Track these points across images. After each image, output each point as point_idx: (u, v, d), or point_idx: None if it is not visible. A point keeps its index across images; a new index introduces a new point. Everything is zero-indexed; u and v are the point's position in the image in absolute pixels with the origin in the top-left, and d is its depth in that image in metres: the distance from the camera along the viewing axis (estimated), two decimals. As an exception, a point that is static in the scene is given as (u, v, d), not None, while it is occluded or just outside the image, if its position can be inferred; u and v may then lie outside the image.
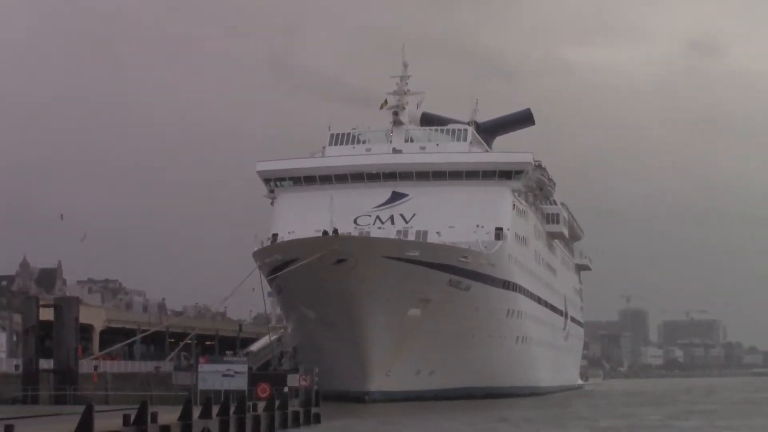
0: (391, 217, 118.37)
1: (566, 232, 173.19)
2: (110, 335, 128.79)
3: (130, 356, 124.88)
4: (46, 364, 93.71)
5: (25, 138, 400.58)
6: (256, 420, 66.21)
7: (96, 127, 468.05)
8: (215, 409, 61.89)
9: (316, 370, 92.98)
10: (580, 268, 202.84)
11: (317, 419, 76.86)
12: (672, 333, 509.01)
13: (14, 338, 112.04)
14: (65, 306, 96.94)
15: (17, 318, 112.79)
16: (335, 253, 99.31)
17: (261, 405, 70.63)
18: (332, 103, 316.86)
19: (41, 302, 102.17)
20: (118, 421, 50.39)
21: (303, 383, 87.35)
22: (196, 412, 59.54)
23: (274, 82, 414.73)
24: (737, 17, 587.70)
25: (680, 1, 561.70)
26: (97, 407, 50.65)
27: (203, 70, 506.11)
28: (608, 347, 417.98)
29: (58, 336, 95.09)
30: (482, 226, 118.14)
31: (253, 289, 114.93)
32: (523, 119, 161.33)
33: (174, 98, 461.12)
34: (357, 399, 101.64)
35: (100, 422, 47.96)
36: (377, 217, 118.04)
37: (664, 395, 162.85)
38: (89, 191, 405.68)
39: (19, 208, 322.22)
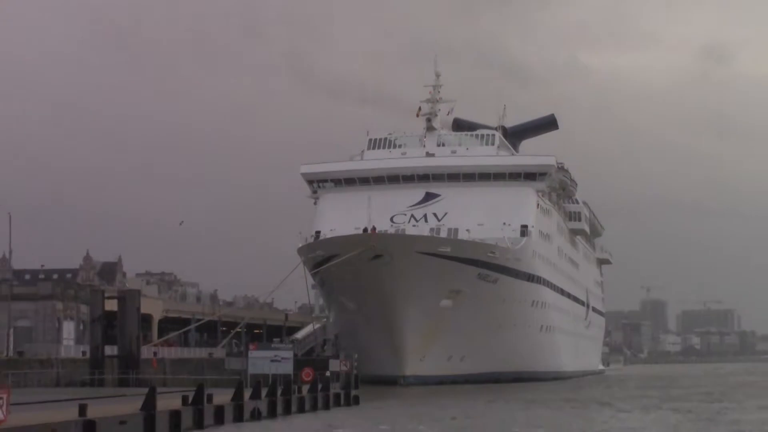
0: (425, 216, 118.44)
1: (587, 229, 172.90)
2: (167, 324, 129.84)
3: (186, 343, 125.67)
4: (110, 350, 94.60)
5: (93, 146, 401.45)
6: (301, 401, 67.46)
7: (154, 137, 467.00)
8: (264, 392, 63.38)
9: (356, 356, 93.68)
10: (601, 262, 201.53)
11: (356, 401, 76.60)
12: (689, 322, 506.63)
13: (80, 327, 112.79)
14: (128, 297, 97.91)
15: (83, 308, 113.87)
16: (372, 249, 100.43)
17: (305, 388, 71.88)
18: (366, 109, 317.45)
19: (106, 294, 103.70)
20: (177, 402, 52.41)
21: (343, 368, 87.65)
22: (247, 394, 60.93)
23: (309, 90, 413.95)
24: (744, 24, 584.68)
25: (692, 10, 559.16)
26: (157, 389, 52.44)
27: (244, 82, 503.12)
28: (629, 335, 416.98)
29: (121, 325, 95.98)
30: (509, 224, 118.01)
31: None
32: (548, 124, 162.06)
33: (218, 107, 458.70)
34: (393, 383, 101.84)
35: (161, 402, 49.76)
36: (412, 215, 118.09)
37: (677, 379, 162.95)
38: (146, 192, 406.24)
39: (83, 206, 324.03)
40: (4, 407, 41.37)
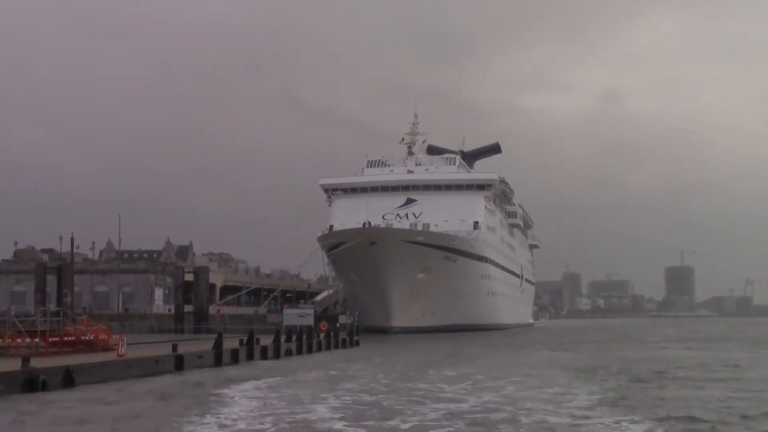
0: (406, 215, 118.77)
1: (522, 224, 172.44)
2: (226, 290, 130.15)
3: (239, 304, 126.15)
4: (188, 308, 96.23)
5: (167, 157, 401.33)
6: (319, 343, 69.13)
7: (211, 151, 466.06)
8: (294, 337, 66.02)
9: (357, 313, 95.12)
10: (532, 246, 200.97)
11: (357, 343, 77.36)
12: (597, 288, 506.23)
13: (167, 292, 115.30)
14: (200, 272, 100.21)
15: (168, 279, 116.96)
16: (370, 238, 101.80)
17: (322, 335, 74.00)
18: (360, 138, 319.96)
19: (185, 270, 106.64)
20: (235, 343, 55.22)
21: (348, 321, 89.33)
22: (282, 338, 63.51)
23: (316, 121, 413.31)
24: (635, 74, 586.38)
25: (596, 64, 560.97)
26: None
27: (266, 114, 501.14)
28: (554, 298, 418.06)
29: (195, 291, 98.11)
30: (465, 221, 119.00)
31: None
32: (494, 149, 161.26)
33: (252, 132, 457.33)
34: (383, 331, 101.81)
35: (225, 343, 52.53)
36: (397, 214, 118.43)
37: (591, 328, 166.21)
38: (206, 192, 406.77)
39: (163, 203, 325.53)
40: (124, 346, 44.84)
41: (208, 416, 28.45)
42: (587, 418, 27.91)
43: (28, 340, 43.48)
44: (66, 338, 46.27)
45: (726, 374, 47.34)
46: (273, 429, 25.90)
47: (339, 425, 26.48)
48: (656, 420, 27.17)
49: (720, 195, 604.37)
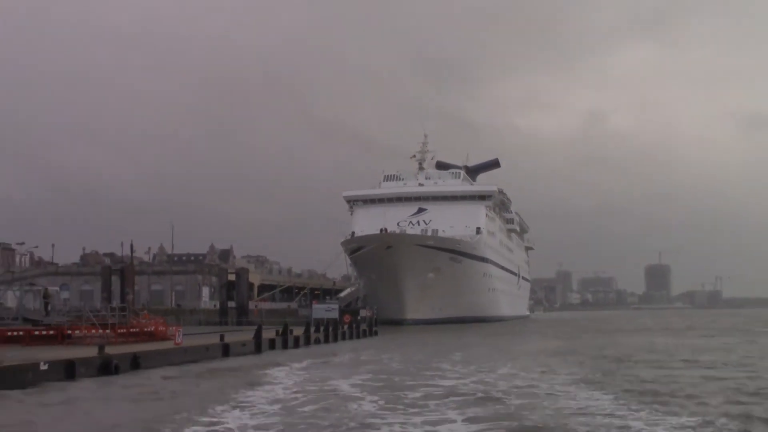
0: (418, 222, 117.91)
1: (518, 228, 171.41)
2: (263, 288, 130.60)
3: (274, 300, 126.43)
4: (231, 304, 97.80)
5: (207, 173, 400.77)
6: (343, 333, 69.33)
7: (242, 161, 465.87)
8: (321, 328, 66.36)
9: (375, 307, 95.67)
10: (528, 248, 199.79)
11: (376, 333, 77.53)
12: (586, 284, 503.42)
13: (212, 290, 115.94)
14: (241, 273, 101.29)
15: (214, 279, 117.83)
16: (386, 242, 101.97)
17: (346, 326, 73.88)
18: (367, 151, 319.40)
19: (228, 271, 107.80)
20: (272, 334, 56.05)
21: (368, 314, 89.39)
22: (312, 329, 63.79)
23: (333, 138, 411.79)
24: (614, 97, 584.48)
25: (581, 88, 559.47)
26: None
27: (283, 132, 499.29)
28: (547, 293, 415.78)
29: (237, 289, 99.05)
30: (469, 227, 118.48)
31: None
32: (494, 164, 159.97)
33: (278, 146, 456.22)
34: (398, 323, 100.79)
35: (264, 333, 53.37)
36: (410, 222, 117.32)
37: (579, 319, 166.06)
38: (243, 202, 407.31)
39: (204, 212, 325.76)
40: (180, 336, 46.21)
41: (256, 389, 29.95)
42: (567, 392, 29.22)
43: (100, 331, 44.77)
44: (131, 330, 47.63)
45: (685, 356, 48.51)
46: (307, 398, 27.46)
47: (359, 396, 28.00)
48: (621, 392, 28.49)
49: (691, 201, 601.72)
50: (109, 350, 36.57)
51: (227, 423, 21.87)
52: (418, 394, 28.35)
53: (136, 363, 36.65)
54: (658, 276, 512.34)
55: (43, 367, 31.04)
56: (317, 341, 61.49)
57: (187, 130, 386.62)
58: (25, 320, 47.57)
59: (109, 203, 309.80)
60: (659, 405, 24.94)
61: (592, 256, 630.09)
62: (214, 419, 22.46)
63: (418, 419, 22.73)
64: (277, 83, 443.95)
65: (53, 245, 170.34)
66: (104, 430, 20.09)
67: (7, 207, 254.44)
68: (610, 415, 23.17)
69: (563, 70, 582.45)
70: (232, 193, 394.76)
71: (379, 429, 21.31)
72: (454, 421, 22.53)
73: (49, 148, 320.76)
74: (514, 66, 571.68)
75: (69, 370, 32.20)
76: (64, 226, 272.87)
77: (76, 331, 44.65)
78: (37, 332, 44.07)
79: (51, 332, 44.11)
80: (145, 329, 48.73)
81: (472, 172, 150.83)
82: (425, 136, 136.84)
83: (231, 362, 42.81)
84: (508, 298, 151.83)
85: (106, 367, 34.31)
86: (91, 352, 36.03)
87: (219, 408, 24.58)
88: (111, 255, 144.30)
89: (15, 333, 43.35)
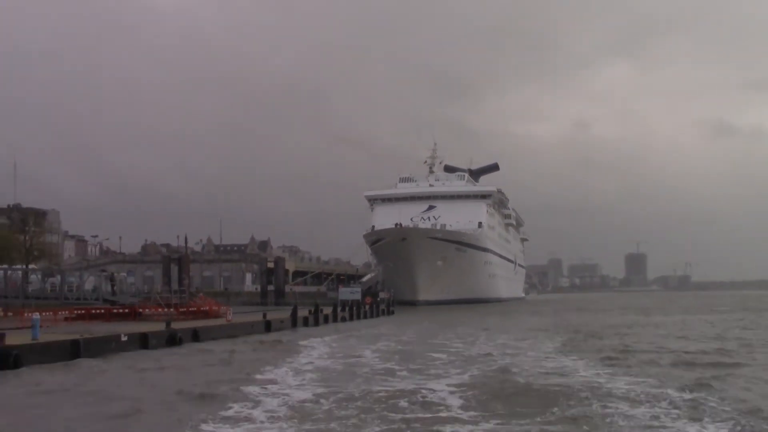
0: (429, 217, 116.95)
1: (515, 223, 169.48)
2: (296, 274, 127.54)
3: (306, 284, 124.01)
4: (269, 287, 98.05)
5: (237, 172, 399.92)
6: (365, 312, 69.37)
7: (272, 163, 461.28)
8: (346, 308, 66.58)
9: (392, 290, 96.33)
10: (523, 239, 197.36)
11: (393, 312, 77.18)
12: (574, 270, 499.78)
13: (254, 276, 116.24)
14: (278, 261, 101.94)
15: (255, 266, 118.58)
16: (401, 235, 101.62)
17: (367, 306, 73.81)
18: (375, 157, 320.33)
19: (267, 260, 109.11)
20: (305, 312, 56.38)
21: (386, 296, 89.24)
22: (338, 309, 64.28)
23: (356, 146, 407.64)
24: (598, 108, 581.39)
25: (567, 100, 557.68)
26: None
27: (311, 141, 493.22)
28: (540, 278, 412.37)
29: (275, 275, 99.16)
30: (472, 222, 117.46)
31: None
32: (494, 168, 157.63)
33: (303, 151, 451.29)
34: (412, 304, 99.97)
35: (298, 312, 54.74)
36: (422, 217, 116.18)
37: (567, 301, 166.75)
38: (279, 198, 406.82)
39: (245, 208, 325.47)
40: (230, 314, 47.98)
41: (295, 356, 31.78)
42: (549, 357, 30.94)
43: (165, 310, 46.85)
44: (190, 309, 49.13)
45: (648, 330, 50.06)
46: (337, 362, 29.35)
47: (377, 361, 29.75)
48: (591, 356, 30.22)
49: (665, 198, 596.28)
50: (174, 326, 38.11)
51: (277, 379, 23.89)
52: (425, 358, 30.16)
53: (196, 336, 38.17)
54: (636, 263, 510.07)
55: (124, 338, 32.99)
56: (343, 319, 61.90)
57: (226, 137, 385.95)
58: (105, 301, 49.58)
59: (161, 201, 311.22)
60: (618, 367, 26.69)
61: (580, 245, 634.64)
62: (267, 377, 24.48)
63: (423, 375, 24.61)
64: (303, 96, 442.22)
65: (120, 237, 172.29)
66: (191, 386, 21.80)
67: (77, 205, 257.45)
68: (574, 371, 24.87)
69: (553, 85, 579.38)
70: (268, 191, 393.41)
71: (394, 380, 23.22)
72: (451, 376, 24.36)
73: (107, 153, 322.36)
74: (511, 81, 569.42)
75: (143, 341, 33.97)
76: (126, 221, 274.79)
77: (146, 310, 46.65)
78: (114, 310, 46.04)
79: (126, 311, 46.05)
80: (201, 308, 50.11)
81: (475, 174, 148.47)
82: (435, 144, 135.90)
83: (272, 336, 43.88)
84: (506, 283, 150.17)
85: (173, 339, 35.93)
86: (159, 326, 37.71)
87: (269, 368, 26.66)
88: (167, 245, 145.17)
89: (97, 311, 45.37)
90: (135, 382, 23.39)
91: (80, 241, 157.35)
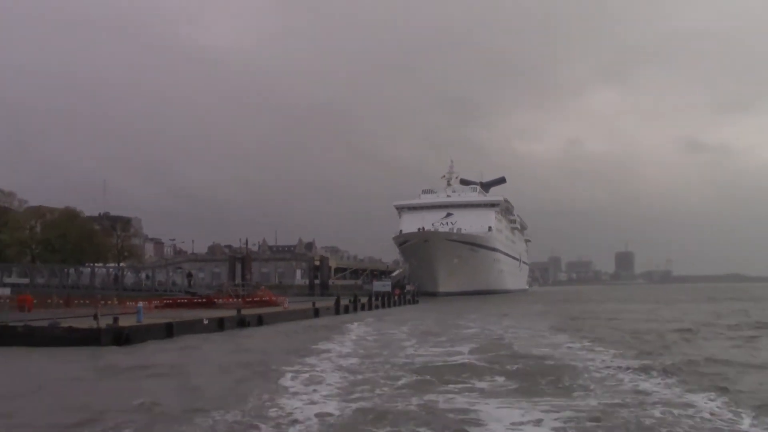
0: (447, 223, 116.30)
1: (519, 227, 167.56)
2: (337, 270, 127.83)
3: (345, 278, 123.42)
4: (316, 281, 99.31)
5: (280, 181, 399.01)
6: (395, 301, 70.61)
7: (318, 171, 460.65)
8: (379, 298, 67.58)
9: (417, 283, 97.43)
10: (527, 241, 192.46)
11: (417, 302, 77.04)
12: (571, 266, 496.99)
13: (302, 272, 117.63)
14: (323, 260, 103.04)
15: (303, 264, 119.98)
16: (424, 238, 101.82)
17: (396, 297, 74.31)
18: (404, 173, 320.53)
19: (314, 258, 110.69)
20: (346, 302, 56.82)
21: (412, 288, 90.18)
22: (373, 299, 65.33)
23: (381, 162, 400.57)
24: (589, 127, 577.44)
25: (562, 121, 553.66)
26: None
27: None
28: (542, 273, 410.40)
29: (321, 271, 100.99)
30: (483, 226, 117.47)
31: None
32: (501, 180, 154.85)
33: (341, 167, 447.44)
34: (433, 294, 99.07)
35: (341, 301, 55.48)
36: (441, 223, 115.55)
37: (564, 292, 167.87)
38: (321, 205, 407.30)
39: (292, 213, 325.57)
40: (287, 303, 49.90)
41: (340, 334, 33.79)
42: (543, 336, 32.74)
43: (235, 300, 48.73)
44: (254, 299, 50.46)
45: (619, 315, 51.35)
46: (373, 338, 31.52)
47: (405, 338, 31.79)
48: (578, 336, 31.88)
49: (648, 203, 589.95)
50: (242, 312, 39.69)
51: (328, 350, 26.29)
52: (443, 337, 32.14)
53: (260, 320, 39.60)
54: (624, 260, 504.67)
55: (205, 322, 35.05)
56: (377, 307, 62.59)
57: (273, 153, 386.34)
58: (186, 292, 51.75)
59: (220, 207, 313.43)
60: (597, 343, 28.53)
61: (576, 245, 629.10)
62: (321, 348, 26.91)
63: (441, 348, 26.67)
64: (337, 119, 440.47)
65: (193, 241, 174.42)
66: (267, 354, 24.55)
67: (153, 211, 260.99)
68: (563, 345, 26.85)
69: (550, 108, 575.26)
70: (311, 200, 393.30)
71: (417, 353, 25.26)
72: (464, 347, 26.45)
73: (177, 168, 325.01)
74: (515, 106, 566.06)
75: (220, 324, 35.68)
76: (194, 225, 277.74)
77: (219, 300, 48.46)
78: (196, 300, 48.14)
79: (204, 300, 48.08)
80: (263, 298, 51.45)
81: (486, 186, 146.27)
82: (451, 161, 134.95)
83: (321, 320, 44.95)
84: (512, 277, 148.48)
85: (242, 322, 37.63)
86: (231, 313, 39.29)
87: (321, 343, 28.96)
88: (229, 246, 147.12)
89: (182, 300, 47.57)
90: (250, 346, 27.60)
91: (158, 243, 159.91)
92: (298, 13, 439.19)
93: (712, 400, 14.93)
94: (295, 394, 16.11)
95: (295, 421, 13.30)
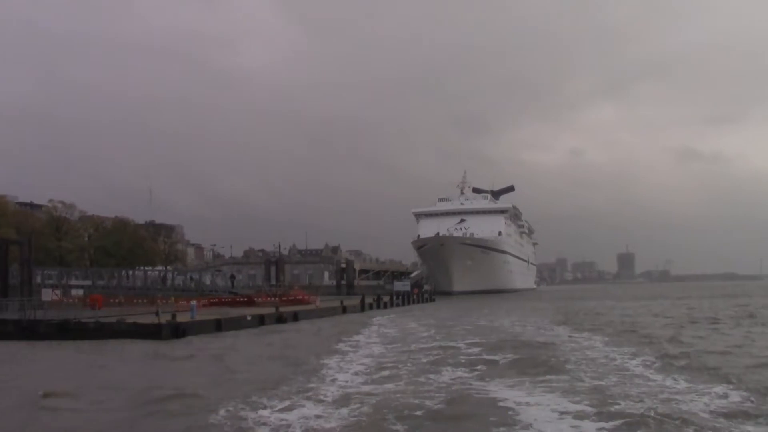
0: (461, 228, 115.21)
1: (527, 231, 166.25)
2: (362, 272, 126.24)
3: (369, 279, 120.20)
4: (342, 282, 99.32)
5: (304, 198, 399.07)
6: (413, 299, 70.55)
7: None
8: (400, 297, 67.67)
9: (433, 283, 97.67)
10: (534, 244, 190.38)
11: (434, 300, 76.80)
12: (577, 267, 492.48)
13: (330, 273, 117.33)
14: (349, 263, 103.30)
15: (331, 267, 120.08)
16: (440, 242, 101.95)
17: (415, 295, 73.91)
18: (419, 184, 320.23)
19: (339, 261, 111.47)
20: (370, 300, 57.73)
21: (429, 288, 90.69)
22: (394, 298, 65.65)
23: (395, 174, 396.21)
24: (590, 139, 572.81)
25: (565, 133, 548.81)
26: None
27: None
28: (549, 273, 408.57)
29: (347, 273, 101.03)
30: (493, 231, 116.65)
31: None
32: (510, 189, 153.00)
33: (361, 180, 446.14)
34: (448, 293, 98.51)
35: (366, 300, 56.42)
36: (456, 228, 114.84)
37: (568, 291, 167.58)
38: (344, 213, 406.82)
39: (318, 220, 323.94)
40: (318, 301, 51.18)
41: (366, 329, 35.04)
42: (546, 329, 33.82)
43: (272, 299, 49.90)
44: (289, 298, 51.31)
45: (614, 311, 51.91)
46: (394, 331, 32.95)
47: (423, 329, 33.14)
48: (576, 328, 33.02)
49: (647, 209, 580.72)
50: (281, 309, 40.53)
51: (358, 339, 28.05)
52: (456, 329, 33.48)
53: (296, 317, 40.37)
54: (625, 261, 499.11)
55: (248, 318, 36.37)
56: (397, 305, 62.68)
57: (300, 164, 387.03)
58: (229, 292, 53.15)
59: (253, 214, 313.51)
60: (594, 333, 29.77)
61: (581, 247, 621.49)
62: (351, 338, 28.59)
63: (454, 339, 28.00)
64: (357, 132, 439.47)
65: (231, 246, 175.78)
66: (303, 344, 26.01)
67: (193, 218, 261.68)
68: (561, 336, 28.15)
69: (554, 122, 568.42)
70: (336, 206, 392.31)
71: (434, 340, 26.87)
72: (474, 338, 27.78)
73: (214, 178, 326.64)
74: (522, 119, 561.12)
75: (261, 320, 36.68)
76: (229, 231, 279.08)
77: (259, 299, 49.45)
78: (238, 299, 49.47)
79: (245, 299, 49.23)
80: (297, 297, 52.37)
81: (496, 194, 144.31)
82: (465, 172, 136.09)
83: (348, 317, 45.75)
84: (521, 277, 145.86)
85: (280, 319, 38.53)
86: (270, 310, 40.09)
87: (351, 335, 30.58)
88: (262, 250, 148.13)
89: (226, 299, 48.98)
90: (293, 337, 29.70)
91: (198, 248, 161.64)
92: (324, 37, 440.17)
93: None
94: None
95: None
